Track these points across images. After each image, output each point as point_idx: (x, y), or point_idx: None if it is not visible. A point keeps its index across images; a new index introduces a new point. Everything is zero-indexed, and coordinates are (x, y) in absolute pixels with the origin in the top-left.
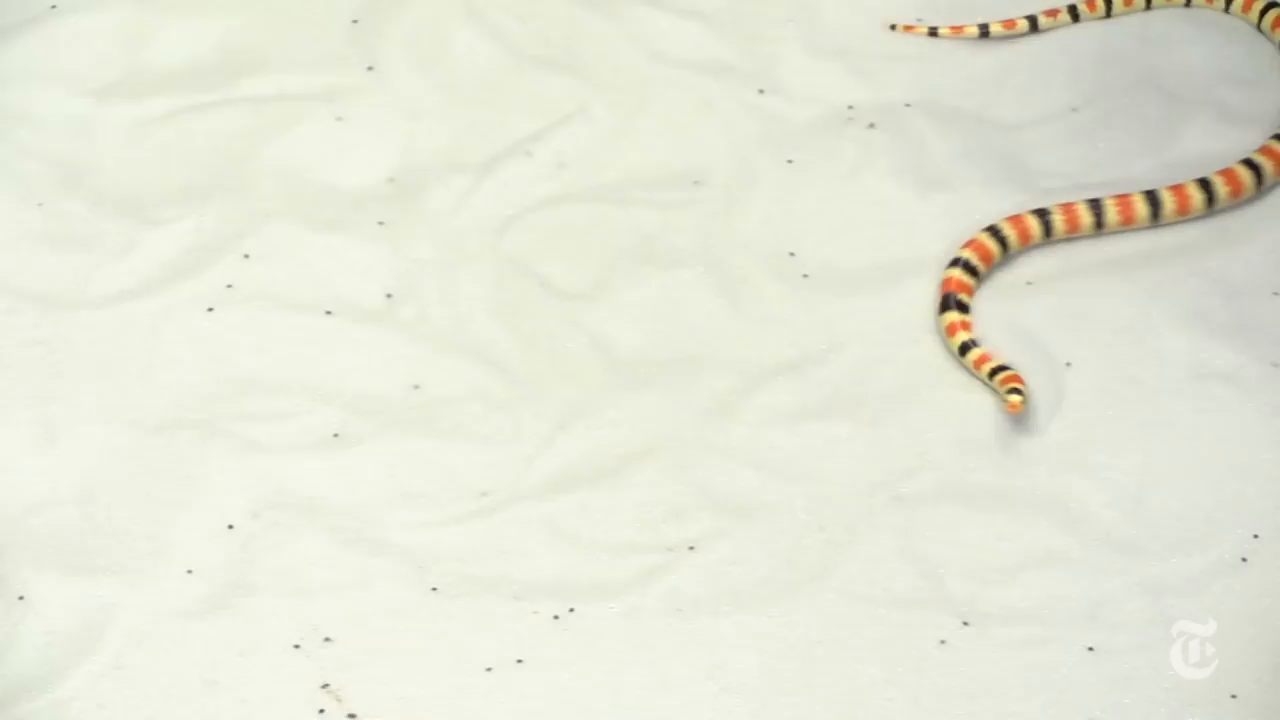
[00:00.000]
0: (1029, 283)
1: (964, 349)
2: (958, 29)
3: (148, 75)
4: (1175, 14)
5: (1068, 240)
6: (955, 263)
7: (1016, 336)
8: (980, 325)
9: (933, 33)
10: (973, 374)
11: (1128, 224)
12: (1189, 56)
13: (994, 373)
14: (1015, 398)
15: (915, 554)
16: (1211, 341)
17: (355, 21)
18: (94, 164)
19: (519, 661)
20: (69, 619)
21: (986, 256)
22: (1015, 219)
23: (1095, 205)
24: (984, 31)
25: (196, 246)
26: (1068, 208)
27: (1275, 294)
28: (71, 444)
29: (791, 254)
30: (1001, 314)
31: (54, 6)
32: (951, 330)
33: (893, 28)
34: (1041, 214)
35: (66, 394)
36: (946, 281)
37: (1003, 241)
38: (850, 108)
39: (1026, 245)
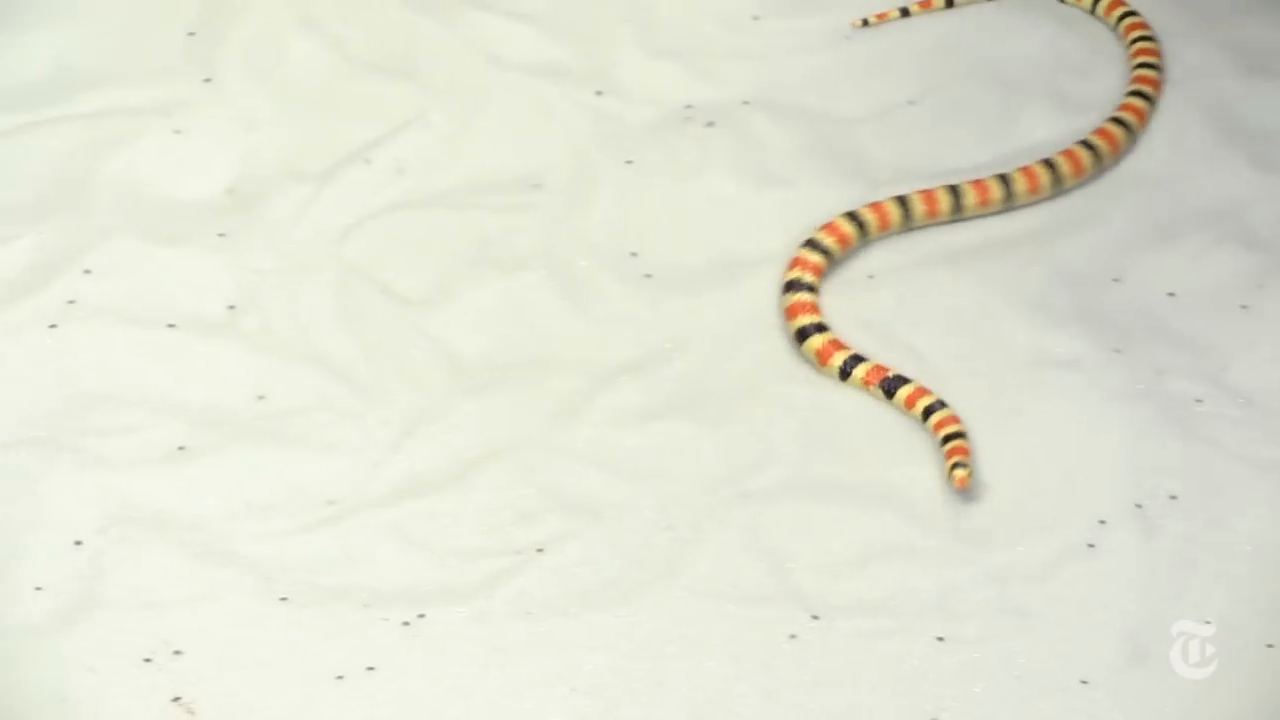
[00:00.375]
0: (871, 276)
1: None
2: (926, 4)
3: None
4: (1012, 4)
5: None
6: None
7: (862, 329)
8: (826, 319)
9: (904, 13)
10: (813, 365)
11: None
12: (1025, 46)
13: (945, 440)
14: (960, 472)
15: (763, 549)
16: (1054, 329)
17: (191, 34)
18: None
19: (370, 669)
20: None
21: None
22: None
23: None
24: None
25: (37, 264)
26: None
27: (1116, 280)
28: None
29: (633, 254)
30: (846, 308)
31: None
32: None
33: (864, 23)
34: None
35: None
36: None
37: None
38: (688, 107)
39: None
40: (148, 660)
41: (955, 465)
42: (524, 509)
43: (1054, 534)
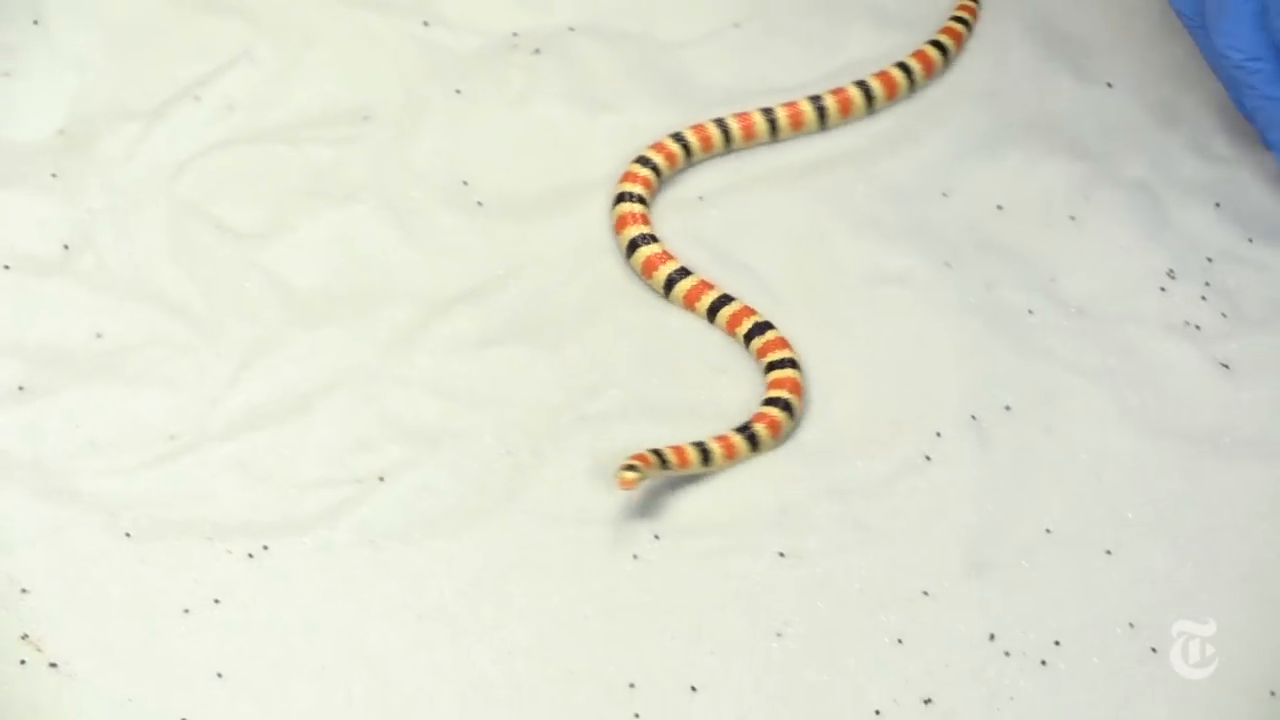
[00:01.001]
0: (701, 197)
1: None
2: None
3: None
4: None
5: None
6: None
7: (696, 246)
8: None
9: None
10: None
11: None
12: None
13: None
14: (629, 474)
15: (603, 472)
16: (884, 244)
17: None
18: None
19: (216, 601)
20: None
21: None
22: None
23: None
24: None
25: None
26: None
27: (944, 195)
28: None
29: (465, 183)
30: (680, 227)
31: None
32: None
33: None
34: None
35: None
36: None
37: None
38: (515, 35)
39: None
40: None
41: (627, 467)
42: (364, 438)
43: (891, 448)
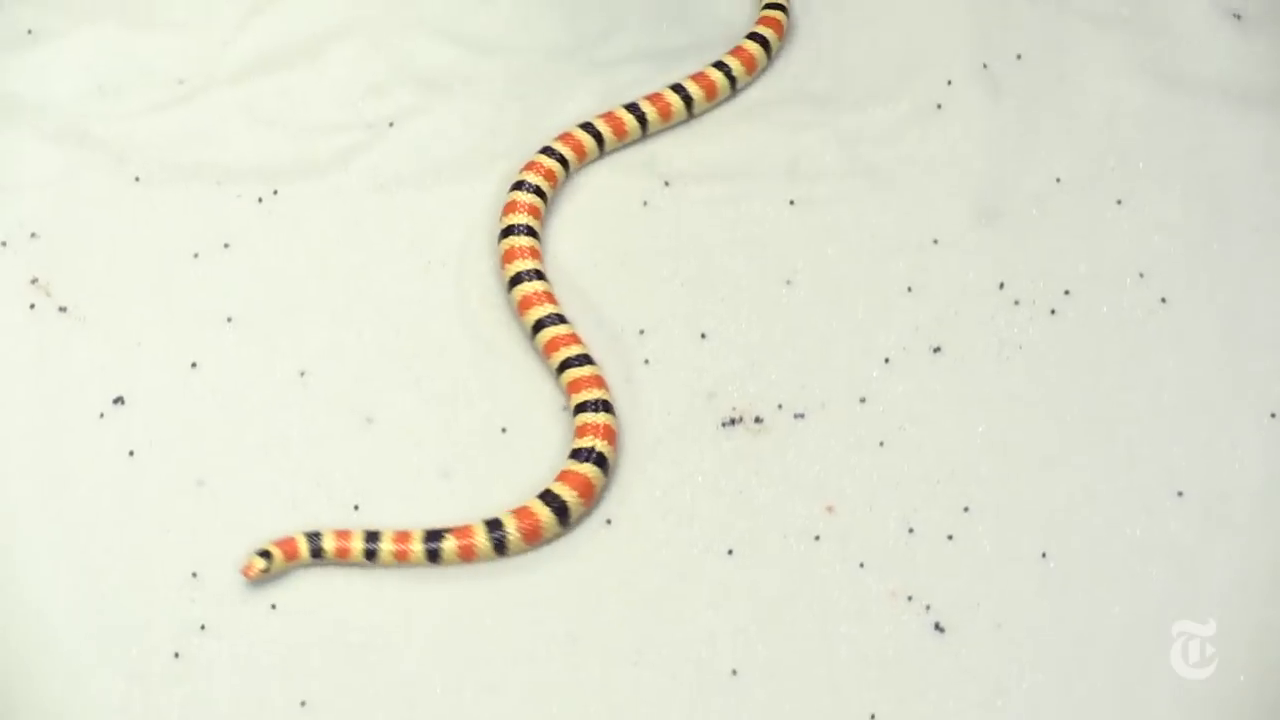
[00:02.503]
0: None
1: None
2: None
3: None
4: None
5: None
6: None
7: None
8: None
9: None
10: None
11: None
12: None
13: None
14: (260, 562)
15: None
16: None
17: None
18: None
19: (225, 246)
20: None
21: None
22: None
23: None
24: None
25: None
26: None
27: None
28: None
29: None
30: None
31: None
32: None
33: None
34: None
35: None
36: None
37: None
38: None
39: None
40: (3, 244)
41: (260, 552)
42: (375, 84)
43: (901, 96)
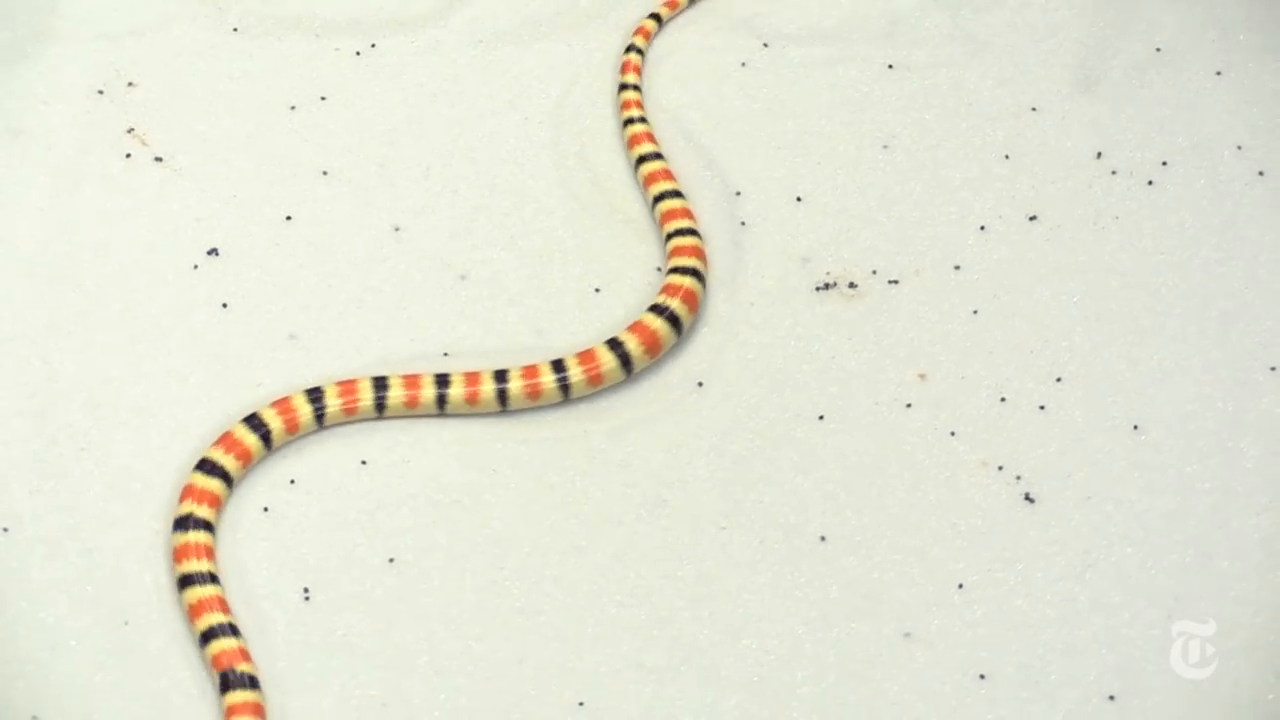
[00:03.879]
0: None
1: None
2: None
3: None
4: None
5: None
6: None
7: None
8: None
9: None
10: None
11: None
12: None
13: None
14: None
15: None
16: None
17: None
18: None
19: (322, 99)
20: None
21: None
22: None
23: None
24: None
25: None
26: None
27: None
28: None
29: None
30: None
31: None
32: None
33: None
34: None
35: None
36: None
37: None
38: None
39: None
40: (100, 92)
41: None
42: None
43: None
